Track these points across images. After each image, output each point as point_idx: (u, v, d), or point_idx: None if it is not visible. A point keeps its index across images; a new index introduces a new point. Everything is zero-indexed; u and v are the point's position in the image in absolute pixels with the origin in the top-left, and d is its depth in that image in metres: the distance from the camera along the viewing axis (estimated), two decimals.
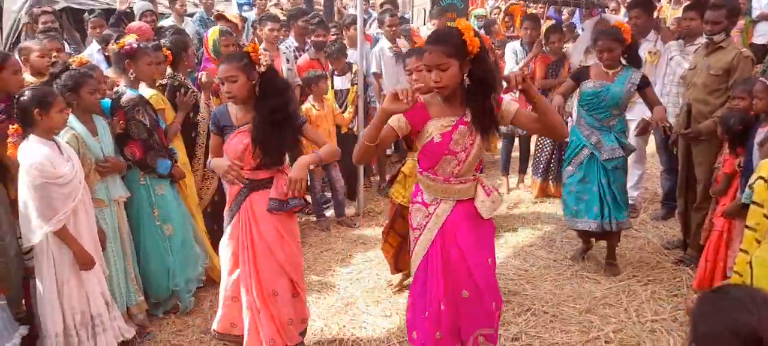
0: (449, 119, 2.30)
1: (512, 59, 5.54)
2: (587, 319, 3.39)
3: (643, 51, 4.65)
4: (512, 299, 3.63)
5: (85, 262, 2.78)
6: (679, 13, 6.25)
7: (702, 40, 4.15)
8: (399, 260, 3.72)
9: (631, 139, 4.80)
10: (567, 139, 3.92)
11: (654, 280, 3.85)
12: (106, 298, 2.97)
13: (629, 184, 4.98)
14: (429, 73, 2.22)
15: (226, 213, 2.91)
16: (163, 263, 3.44)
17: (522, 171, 5.84)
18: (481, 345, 2.46)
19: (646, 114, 4.64)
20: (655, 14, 5.75)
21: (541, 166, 5.42)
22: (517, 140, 5.74)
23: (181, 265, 3.52)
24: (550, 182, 5.42)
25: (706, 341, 1.34)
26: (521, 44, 5.56)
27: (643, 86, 3.75)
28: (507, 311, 3.45)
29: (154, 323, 3.46)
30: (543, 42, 5.35)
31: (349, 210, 5.26)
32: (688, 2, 4.59)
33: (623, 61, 3.79)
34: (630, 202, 4.98)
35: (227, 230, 2.88)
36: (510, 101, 2.36)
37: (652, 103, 3.80)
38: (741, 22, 6.40)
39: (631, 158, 4.95)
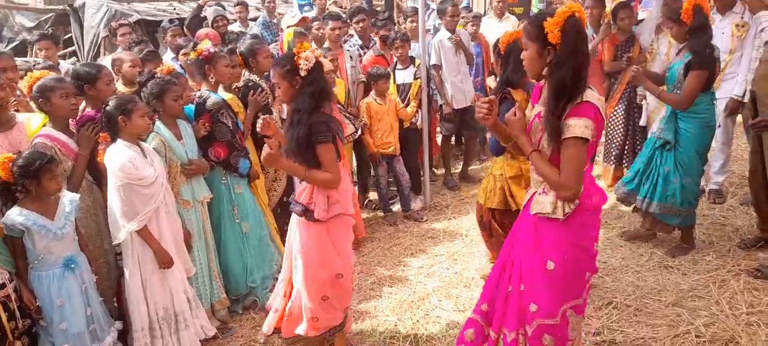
0: (537, 109, 2.25)
1: None
2: (674, 312, 3.21)
3: (728, 24, 4.36)
4: (591, 292, 3.48)
5: (164, 260, 2.92)
6: None
7: None
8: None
9: (720, 120, 4.48)
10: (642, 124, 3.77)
11: (747, 269, 3.60)
12: (188, 296, 3.12)
13: (713, 169, 4.70)
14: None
15: None
16: (241, 260, 3.58)
17: (591, 160, 5.59)
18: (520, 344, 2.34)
19: (734, 92, 4.34)
20: None
21: (614, 153, 5.18)
22: None
23: (258, 262, 3.64)
24: (626, 169, 5.16)
25: None
26: (587, 26, 5.32)
27: (694, 66, 3.49)
28: (587, 306, 3.33)
29: (235, 319, 3.59)
30: (611, 21, 5.09)
31: (416, 204, 5.24)
32: None
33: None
34: (714, 186, 4.70)
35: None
36: (574, 123, 2.05)
37: (684, 89, 3.52)
38: None
39: (715, 141, 4.62)
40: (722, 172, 4.72)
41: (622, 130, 5.08)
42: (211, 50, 3.49)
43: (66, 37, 8.26)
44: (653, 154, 3.77)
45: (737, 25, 4.32)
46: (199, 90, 3.59)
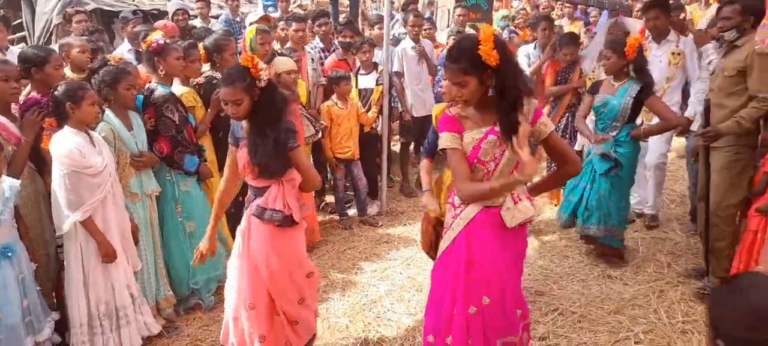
0: (480, 130, 2.27)
1: (525, 62, 5.38)
2: (616, 319, 3.34)
3: (665, 52, 4.49)
4: (538, 299, 3.59)
5: (107, 253, 2.83)
6: (709, 14, 6.11)
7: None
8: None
9: (658, 145, 4.57)
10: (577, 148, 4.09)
11: (684, 281, 3.78)
12: (132, 291, 3.02)
13: (650, 193, 4.76)
14: (454, 87, 2.22)
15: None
16: (184, 260, 3.45)
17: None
18: None
19: (688, 112, 4.45)
20: (681, 15, 5.60)
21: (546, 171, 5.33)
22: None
23: (203, 264, 3.52)
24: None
25: (729, 331, 1.30)
26: (535, 47, 5.47)
27: (645, 96, 3.72)
28: (534, 311, 3.42)
29: (182, 318, 3.50)
30: (557, 45, 5.21)
31: (372, 209, 5.26)
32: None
33: (632, 74, 3.82)
34: (650, 212, 4.77)
35: (238, 234, 2.81)
36: (547, 121, 2.29)
37: (661, 115, 3.70)
38: None
39: (651, 159, 4.70)
40: (657, 192, 4.75)
41: None
42: (161, 42, 3.40)
43: (16, 22, 7.90)
44: (594, 181, 3.92)
45: (673, 53, 4.46)
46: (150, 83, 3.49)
